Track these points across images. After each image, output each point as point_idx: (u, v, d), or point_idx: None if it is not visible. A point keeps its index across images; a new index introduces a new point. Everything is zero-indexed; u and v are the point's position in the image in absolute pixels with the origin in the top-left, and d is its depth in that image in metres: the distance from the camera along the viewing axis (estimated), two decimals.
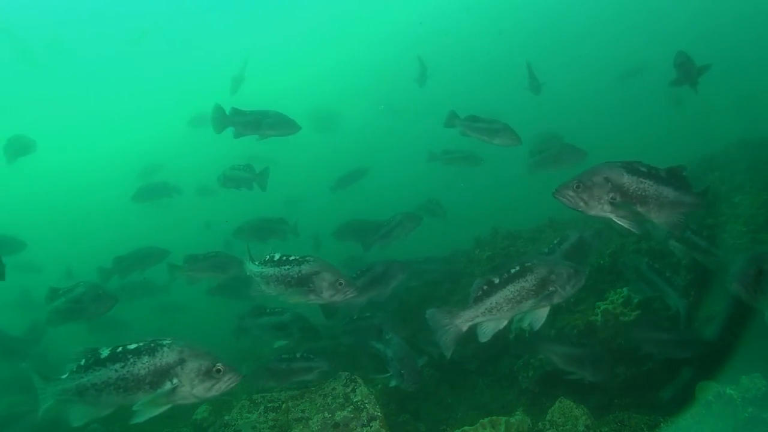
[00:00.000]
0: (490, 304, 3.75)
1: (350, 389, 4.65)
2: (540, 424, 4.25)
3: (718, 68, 6.50)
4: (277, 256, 4.50)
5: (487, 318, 3.79)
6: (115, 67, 33.75)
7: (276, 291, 4.45)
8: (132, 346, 3.25)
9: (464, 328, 3.79)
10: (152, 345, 3.23)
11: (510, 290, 3.73)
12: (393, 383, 5.11)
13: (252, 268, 4.56)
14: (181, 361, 3.19)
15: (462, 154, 9.86)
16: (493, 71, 28.38)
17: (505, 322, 3.87)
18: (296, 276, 4.34)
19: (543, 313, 3.80)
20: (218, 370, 3.21)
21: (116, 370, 3.19)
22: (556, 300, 3.73)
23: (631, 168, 3.52)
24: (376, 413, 4.44)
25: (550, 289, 3.67)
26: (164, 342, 3.26)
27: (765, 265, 3.22)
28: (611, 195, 3.42)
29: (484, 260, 7.67)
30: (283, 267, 4.41)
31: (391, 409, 5.63)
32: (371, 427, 4.34)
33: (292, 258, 4.45)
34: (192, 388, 3.19)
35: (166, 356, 3.19)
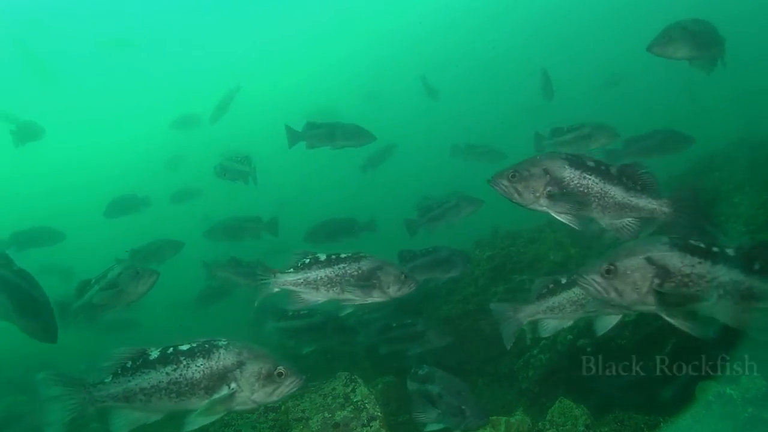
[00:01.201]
0: (553, 303, 3.71)
1: (350, 389, 4.66)
2: (540, 424, 4.25)
3: (717, 65, 6.40)
4: (323, 257, 4.08)
5: (548, 316, 3.76)
6: (100, 67, 33.74)
7: (327, 296, 4.05)
8: (184, 348, 3.02)
9: (524, 322, 3.78)
10: (207, 346, 3.01)
11: (576, 292, 3.61)
12: (438, 426, 4.23)
13: (288, 277, 4.03)
14: (240, 364, 2.97)
15: (486, 149, 9.78)
16: (495, 68, 28.37)
17: (570, 322, 3.81)
18: (357, 274, 4.00)
19: (611, 320, 3.53)
20: (280, 374, 3.00)
21: (167, 374, 2.94)
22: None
23: (576, 161, 3.20)
24: (376, 413, 4.45)
25: None
26: (220, 343, 3.03)
27: (618, 261, 2.78)
28: (549, 188, 3.14)
29: (484, 260, 7.67)
30: (338, 266, 4.02)
31: (391, 409, 5.63)
32: (371, 427, 4.35)
33: (344, 255, 4.08)
34: (252, 393, 2.97)
35: (224, 358, 2.97)
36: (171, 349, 3.02)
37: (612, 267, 2.74)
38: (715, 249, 2.75)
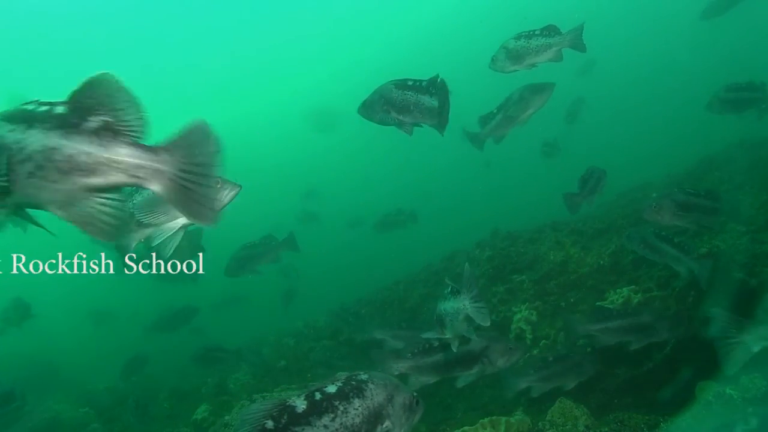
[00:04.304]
0: None
1: None
2: (540, 424, 4.24)
3: (718, 66, 6.42)
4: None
5: None
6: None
7: None
8: (332, 390, 2.54)
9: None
10: (354, 383, 2.58)
11: None
12: None
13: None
14: (390, 398, 2.59)
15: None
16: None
17: None
18: None
19: None
20: (417, 401, 2.67)
21: (326, 426, 2.43)
22: None
23: None
24: None
25: None
26: (363, 377, 2.62)
27: None
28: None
29: (484, 260, 7.67)
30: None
31: None
32: None
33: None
34: (401, 428, 2.60)
35: (376, 395, 2.57)
36: (318, 395, 2.52)
37: None
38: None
